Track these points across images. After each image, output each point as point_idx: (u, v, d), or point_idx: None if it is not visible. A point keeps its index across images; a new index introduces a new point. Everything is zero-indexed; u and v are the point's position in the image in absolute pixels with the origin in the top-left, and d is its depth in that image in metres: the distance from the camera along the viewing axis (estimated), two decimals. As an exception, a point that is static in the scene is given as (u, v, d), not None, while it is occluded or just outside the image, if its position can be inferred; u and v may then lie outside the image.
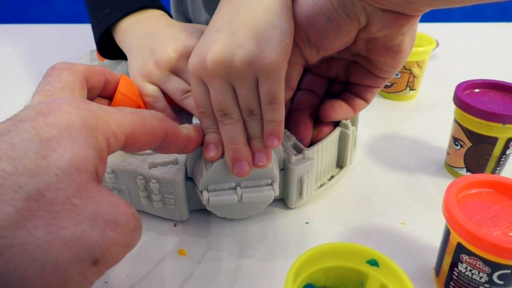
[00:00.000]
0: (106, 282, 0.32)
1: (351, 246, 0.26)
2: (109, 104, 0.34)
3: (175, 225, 0.38)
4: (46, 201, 0.18)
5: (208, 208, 0.35)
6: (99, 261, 0.19)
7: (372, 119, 0.55)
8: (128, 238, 0.20)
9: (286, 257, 0.34)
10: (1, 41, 0.82)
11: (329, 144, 0.40)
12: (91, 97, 0.32)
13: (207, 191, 0.34)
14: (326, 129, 0.40)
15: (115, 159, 0.37)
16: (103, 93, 0.34)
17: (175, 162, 0.36)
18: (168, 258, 0.35)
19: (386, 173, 0.45)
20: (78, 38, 0.84)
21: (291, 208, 0.40)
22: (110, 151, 0.23)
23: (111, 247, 0.19)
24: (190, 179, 0.36)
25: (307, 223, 0.38)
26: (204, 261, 0.34)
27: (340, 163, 0.44)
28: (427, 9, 0.29)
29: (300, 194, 0.39)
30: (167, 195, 0.36)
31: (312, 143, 0.39)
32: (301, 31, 0.32)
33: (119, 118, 0.23)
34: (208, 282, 0.33)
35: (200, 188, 0.34)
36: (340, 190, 0.42)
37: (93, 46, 0.57)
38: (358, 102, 0.39)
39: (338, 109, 0.39)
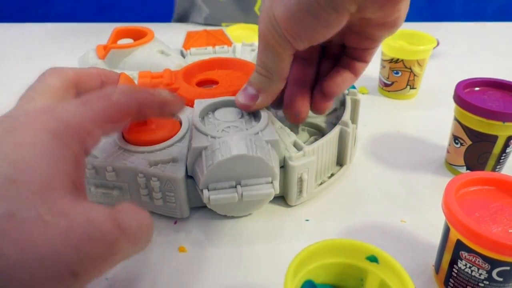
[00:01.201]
0: (107, 279, 0.32)
1: (351, 243, 0.26)
2: None
3: (175, 222, 0.38)
4: (17, 221, 0.18)
5: (208, 206, 0.35)
6: (78, 273, 0.19)
7: (372, 118, 0.55)
8: (106, 251, 0.20)
9: (286, 254, 0.34)
10: (1, 40, 0.83)
11: (329, 142, 0.40)
12: None
13: (208, 190, 0.34)
14: (326, 103, 0.39)
15: (116, 157, 0.37)
16: None
17: (175, 160, 0.36)
18: (168, 255, 0.35)
19: (386, 171, 0.45)
20: (79, 37, 0.84)
21: (291, 206, 0.40)
22: (90, 148, 0.24)
23: (86, 261, 0.19)
24: (190, 177, 0.36)
25: (307, 220, 0.38)
26: (205, 258, 0.35)
27: (340, 161, 0.44)
28: None
29: (300, 191, 0.39)
30: (168, 193, 0.36)
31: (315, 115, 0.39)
32: (290, 29, 0.31)
33: (88, 114, 0.24)
34: (209, 279, 0.33)
35: (200, 187, 0.34)
36: (340, 187, 0.42)
37: (93, 45, 0.57)
38: (359, 65, 0.38)
39: (341, 83, 0.38)
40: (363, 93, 0.62)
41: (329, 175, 0.43)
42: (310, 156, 0.37)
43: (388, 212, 0.39)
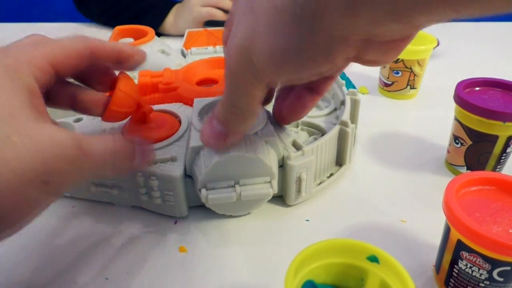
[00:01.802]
0: (107, 279, 0.32)
1: (351, 243, 0.26)
2: (108, 101, 0.33)
3: (175, 222, 0.38)
4: None
5: (207, 205, 0.35)
6: (48, 181, 0.23)
7: (373, 117, 0.55)
8: (69, 167, 0.24)
9: (286, 254, 0.34)
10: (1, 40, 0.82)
11: (328, 141, 0.40)
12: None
13: (206, 189, 0.34)
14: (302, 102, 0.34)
15: None
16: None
17: (174, 159, 0.36)
18: (168, 255, 0.35)
19: (387, 170, 0.45)
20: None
21: (290, 205, 0.40)
22: (44, 83, 0.26)
23: (54, 172, 0.23)
24: (189, 176, 0.36)
25: (307, 220, 0.38)
26: (205, 258, 0.34)
27: (340, 161, 0.44)
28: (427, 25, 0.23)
29: (299, 191, 0.39)
30: (166, 192, 0.36)
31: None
32: (270, 74, 0.26)
33: (36, 52, 0.26)
34: (209, 279, 0.33)
35: (199, 186, 0.34)
36: (340, 187, 0.42)
37: None
38: (326, 82, 0.33)
39: (301, 110, 0.34)
40: (363, 93, 0.62)
41: (328, 175, 0.43)
42: (309, 155, 0.37)
43: (388, 212, 0.39)
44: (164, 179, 0.35)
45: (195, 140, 0.35)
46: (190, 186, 0.37)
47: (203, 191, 0.34)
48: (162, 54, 0.56)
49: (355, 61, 0.26)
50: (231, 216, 0.38)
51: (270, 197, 0.35)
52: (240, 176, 0.34)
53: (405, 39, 0.24)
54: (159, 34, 0.84)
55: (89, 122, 0.42)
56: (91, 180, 0.37)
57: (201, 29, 0.70)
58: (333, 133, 0.40)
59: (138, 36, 0.58)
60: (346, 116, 0.42)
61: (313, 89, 0.33)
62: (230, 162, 0.33)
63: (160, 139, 0.38)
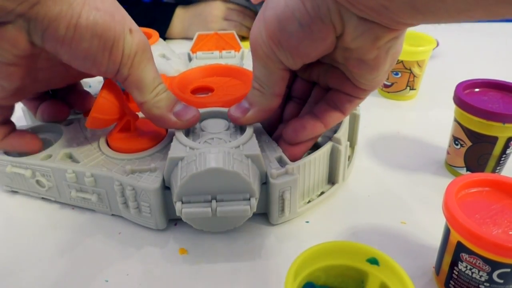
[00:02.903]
0: (107, 281, 0.32)
1: (351, 245, 0.26)
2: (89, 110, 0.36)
3: (175, 224, 0.38)
4: None
5: (183, 219, 0.33)
6: (133, 31, 0.32)
7: (372, 119, 0.55)
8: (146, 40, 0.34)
9: (286, 256, 0.34)
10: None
11: (318, 159, 0.37)
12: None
13: (182, 202, 0.32)
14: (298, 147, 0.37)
15: (97, 163, 0.37)
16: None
17: (153, 170, 0.35)
18: (168, 257, 0.35)
19: (386, 172, 0.45)
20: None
21: (273, 225, 0.37)
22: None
23: (137, 30, 0.33)
24: (168, 188, 0.35)
25: (307, 222, 0.38)
26: (205, 260, 0.34)
27: (332, 179, 0.41)
28: (406, 22, 0.26)
29: (282, 210, 0.36)
30: (143, 203, 0.35)
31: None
32: (273, 35, 0.30)
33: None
34: (209, 281, 0.33)
35: (174, 199, 0.32)
36: (340, 187, 0.42)
37: None
38: (333, 114, 0.35)
39: (300, 130, 0.36)
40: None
41: (319, 193, 0.40)
42: (293, 174, 0.35)
43: (388, 214, 0.39)
44: (140, 190, 0.34)
45: (174, 151, 0.34)
46: (169, 198, 0.35)
47: (178, 204, 0.32)
48: (162, 58, 0.55)
49: (342, 44, 0.30)
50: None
51: (248, 215, 0.33)
52: (218, 191, 0.32)
53: (382, 27, 0.27)
54: (165, 38, 0.82)
55: (78, 128, 0.42)
56: (72, 185, 0.37)
57: (211, 32, 0.69)
58: (323, 150, 0.38)
59: None
60: (340, 133, 0.39)
61: (318, 115, 0.36)
62: (207, 175, 0.31)
63: (143, 148, 0.38)
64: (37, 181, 0.39)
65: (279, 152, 0.37)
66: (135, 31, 0.32)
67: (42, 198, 0.40)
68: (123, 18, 0.32)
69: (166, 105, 0.35)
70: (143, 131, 0.40)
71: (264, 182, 0.35)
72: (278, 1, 0.29)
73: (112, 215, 0.39)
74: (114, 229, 0.37)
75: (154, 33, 0.59)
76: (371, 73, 0.31)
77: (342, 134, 0.39)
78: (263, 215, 0.38)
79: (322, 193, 0.40)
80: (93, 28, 0.30)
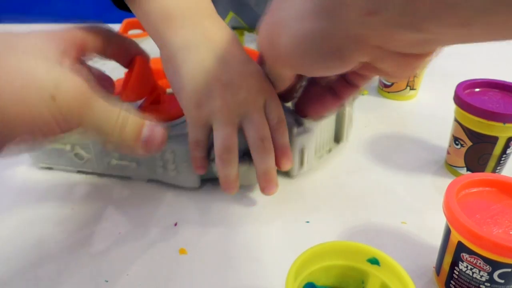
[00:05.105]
0: (107, 281, 0.32)
1: (352, 245, 0.26)
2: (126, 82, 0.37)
3: (175, 224, 0.38)
4: (15, 53, 0.25)
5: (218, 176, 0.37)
6: (56, 98, 0.25)
7: (372, 119, 0.55)
8: (76, 91, 0.26)
9: (286, 256, 0.34)
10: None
11: (326, 120, 0.43)
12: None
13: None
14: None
15: None
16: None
17: (187, 134, 0.38)
18: (168, 257, 0.35)
19: (387, 172, 0.45)
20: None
21: (293, 176, 0.43)
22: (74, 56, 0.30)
23: (62, 90, 0.25)
24: None
25: (307, 222, 0.38)
26: (205, 260, 0.34)
27: (338, 138, 0.48)
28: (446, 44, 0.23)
29: (302, 163, 0.42)
30: (181, 163, 0.39)
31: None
32: (291, 61, 0.28)
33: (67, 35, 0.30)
34: (209, 281, 0.33)
35: (211, 156, 0.36)
36: (341, 187, 0.42)
37: None
38: (350, 90, 0.35)
39: (322, 111, 0.37)
40: (362, 94, 0.62)
41: (328, 150, 0.46)
42: (310, 129, 0.40)
43: (388, 213, 0.39)
44: (179, 152, 0.38)
45: None
46: None
47: (214, 162, 0.36)
48: None
49: (370, 71, 0.27)
50: (231, 218, 0.38)
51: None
52: (248, 146, 0.36)
53: (418, 56, 0.24)
54: None
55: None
56: (113, 154, 0.40)
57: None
58: None
59: None
60: None
61: (336, 92, 0.35)
62: (241, 134, 0.35)
63: (175, 117, 0.41)
64: (76, 154, 0.42)
65: (293, 114, 0.41)
66: (61, 87, 0.25)
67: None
68: (38, 92, 0.25)
69: (132, 138, 0.30)
70: (171, 103, 0.42)
71: None
72: (296, 27, 0.25)
73: (112, 212, 0.39)
74: (114, 229, 0.37)
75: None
76: (394, 80, 0.32)
77: None
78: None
79: (330, 150, 0.47)
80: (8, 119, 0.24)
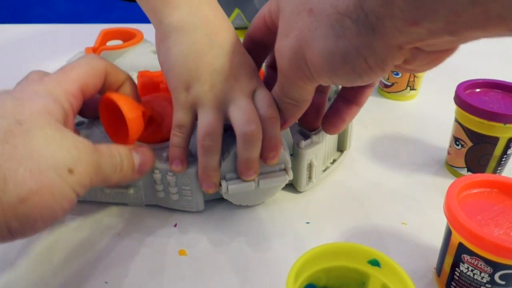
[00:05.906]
0: (106, 283, 0.32)
1: (352, 246, 0.26)
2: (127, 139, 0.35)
3: (175, 226, 0.38)
4: (23, 129, 0.25)
5: (225, 196, 0.36)
6: (73, 170, 0.25)
7: (373, 119, 0.55)
8: (90, 154, 0.27)
9: (287, 258, 0.34)
10: (1, 41, 0.82)
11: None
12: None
13: (225, 180, 0.35)
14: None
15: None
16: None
17: (190, 154, 0.37)
18: (168, 258, 0.35)
19: (387, 172, 0.45)
20: (71, 37, 0.83)
21: (301, 192, 0.41)
22: (75, 108, 0.31)
23: (78, 161, 0.26)
24: None
25: (307, 223, 0.38)
26: (205, 261, 0.34)
27: (340, 147, 0.46)
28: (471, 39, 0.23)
29: (310, 177, 0.41)
30: (184, 187, 0.37)
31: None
32: (323, 75, 0.27)
33: (68, 80, 0.30)
34: (209, 283, 0.32)
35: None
36: (341, 187, 0.42)
37: (81, 47, 0.56)
38: (365, 92, 0.34)
39: (341, 124, 0.36)
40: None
41: (332, 161, 0.45)
42: (318, 142, 0.39)
43: (389, 214, 0.39)
44: (182, 175, 0.36)
45: None
46: None
47: (223, 182, 0.35)
48: (155, 54, 0.55)
49: (397, 69, 0.27)
50: (231, 220, 0.38)
51: (285, 184, 0.37)
52: None
53: (449, 50, 0.25)
54: None
55: (93, 127, 0.42)
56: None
57: None
58: None
59: (126, 38, 0.58)
60: None
61: (351, 100, 0.35)
62: (232, 136, 0.34)
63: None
64: None
65: (298, 126, 0.41)
66: (76, 158, 0.26)
67: None
68: (56, 171, 0.25)
69: (130, 171, 0.32)
70: (168, 120, 0.39)
71: (291, 154, 0.39)
72: (324, 39, 0.25)
73: (112, 215, 0.39)
74: (113, 231, 0.37)
75: (138, 33, 0.58)
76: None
77: None
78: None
79: (334, 160, 0.45)
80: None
